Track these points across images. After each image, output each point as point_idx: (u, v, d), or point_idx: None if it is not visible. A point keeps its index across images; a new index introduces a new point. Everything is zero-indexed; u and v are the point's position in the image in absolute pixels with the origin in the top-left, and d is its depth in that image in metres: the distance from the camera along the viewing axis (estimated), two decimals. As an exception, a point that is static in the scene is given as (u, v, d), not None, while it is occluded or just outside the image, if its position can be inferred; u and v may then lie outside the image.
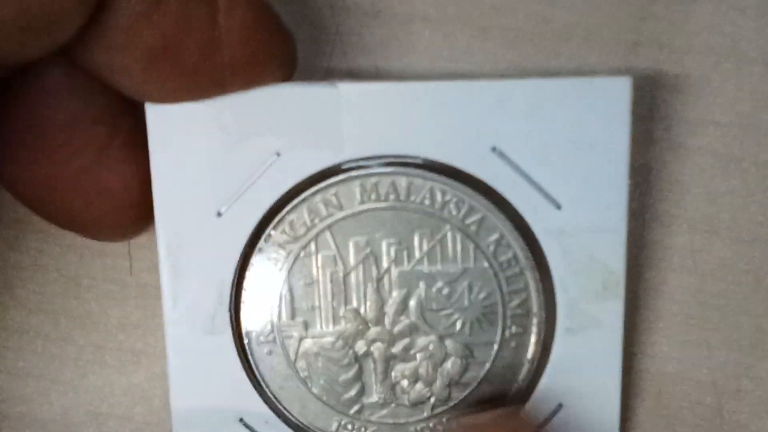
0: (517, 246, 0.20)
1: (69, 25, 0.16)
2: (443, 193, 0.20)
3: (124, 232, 0.21)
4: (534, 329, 0.20)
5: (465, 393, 0.20)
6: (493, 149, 0.19)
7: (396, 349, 0.20)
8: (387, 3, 0.22)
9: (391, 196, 0.20)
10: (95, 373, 0.23)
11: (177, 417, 0.20)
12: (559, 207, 0.20)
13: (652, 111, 0.22)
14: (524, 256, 0.20)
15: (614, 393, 0.20)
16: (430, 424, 0.21)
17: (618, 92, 0.19)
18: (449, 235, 0.20)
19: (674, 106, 0.22)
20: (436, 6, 0.22)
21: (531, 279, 0.20)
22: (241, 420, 0.20)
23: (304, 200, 0.20)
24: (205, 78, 0.18)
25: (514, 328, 0.20)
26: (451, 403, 0.20)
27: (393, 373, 0.20)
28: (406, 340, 0.20)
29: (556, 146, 0.19)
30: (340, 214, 0.20)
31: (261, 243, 0.20)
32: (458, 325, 0.20)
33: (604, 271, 0.20)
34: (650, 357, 0.22)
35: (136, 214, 0.20)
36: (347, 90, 0.19)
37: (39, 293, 0.23)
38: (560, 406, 0.20)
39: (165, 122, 0.19)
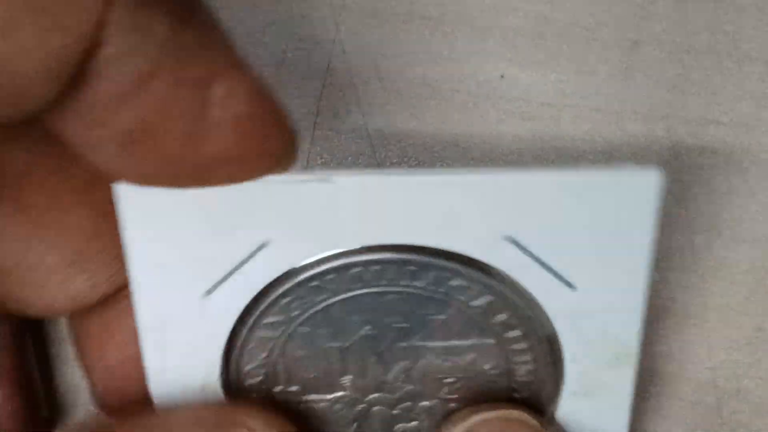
0: (522, 323, 0.19)
1: (36, 100, 0.15)
2: (450, 279, 0.18)
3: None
4: (541, 395, 0.20)
5: None
6: (506, 238, 0.18)
7: (397, 411, 0.20)
8: (387, 3, 0.22)
9: (394, 281, 0.18)
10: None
11: None
12: (573, 288, 0.18)
13: (652, 110, 0.22)
14: (530, 332, 0.19)
15: None
16: None
17: (647, 184, 0.17)
18: (455, 315, 0.19)
19: (674, 105, 0.22)
20: (436, 6, 0.21)
21: (536, 351, 0.19)
22: None
23: (299, 284, 0.18)
24: (186, 169, 0.16)
25: (519, 392, 0.20)
26: None
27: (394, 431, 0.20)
28: (407, 403, 0.20)
29: (575, 236, 0.18)
30: (334, 293, 0.19)
31: (251, 323, 0.19)
32: (463, 392, 0.20)
33: (617, 344, 0.19)
34: (650, 357, 0.22)
35: None
36: (345, 184, 0.18)
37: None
38: None
39: (140, 203, 0.17)
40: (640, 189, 0.18)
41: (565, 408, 0.20)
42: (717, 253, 0.22)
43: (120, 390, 0.20)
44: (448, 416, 0.20)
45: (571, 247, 0.18)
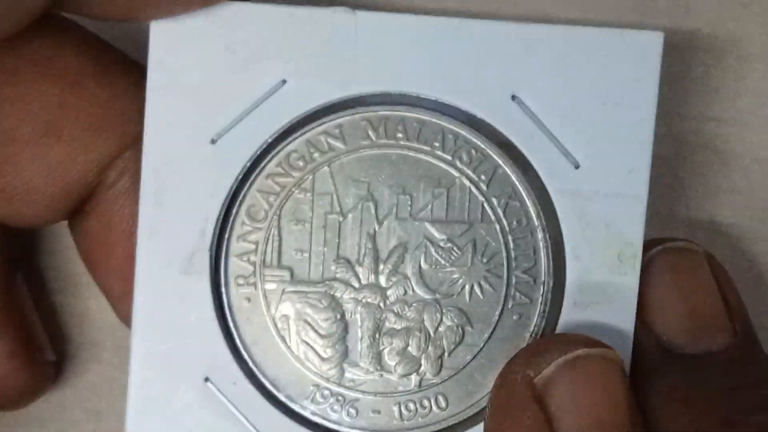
0: (529, 204, 0.19)
1: None
2: (456, 139, 0.19)
3: None
4: (540, 299, 0.19)
5: (458, 368, 0.19)
6: (513, 98, 0.18)
7: (387, 312, 0.19)
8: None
9: (400, 136, 0.19)
10: (93, 371, 0.23)
11: (135, 367, 0.18)
12: (577, 166, 0.18)
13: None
14: (536, 215, 0.19)
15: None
16: (417, 400, 0.19)
17: (648, 47, 0.18)
18: (458, 185, 0.19)
19: (675, 102, 0.22)
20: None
21: (541, 242, 0.19)
22: (206, 379, 0.19)
23: (305, 132, 0.18)
24: None
25: (518, 297, 0.19)
26: (441, 379, 0.19)
27: (381, 339, 0.19)
28: (399, 303, 0.19)
29: (580, 99, 0.18)
30: (342, 151, 0.19)
31: (253, 176, 0.18)
32: (458, 288, 0.19)
33: (620, 241, 0.18)
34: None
35: None
36: (366, 19, 0.18)
37: (37, 292, 0.23)
38: None
39: (168, 39, 0.18)
40: (643, 50, 0.18)
41: (565, 325, 0.19)
42: (717, 253, 0.22)
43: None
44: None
45: (576, 114, 0.18)
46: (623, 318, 0.18)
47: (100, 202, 0.20)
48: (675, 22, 0.21)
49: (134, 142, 0.19)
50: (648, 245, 0.19)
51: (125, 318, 0.20)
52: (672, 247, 0.19)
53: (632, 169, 0.18)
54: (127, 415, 0.18)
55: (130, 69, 0.20)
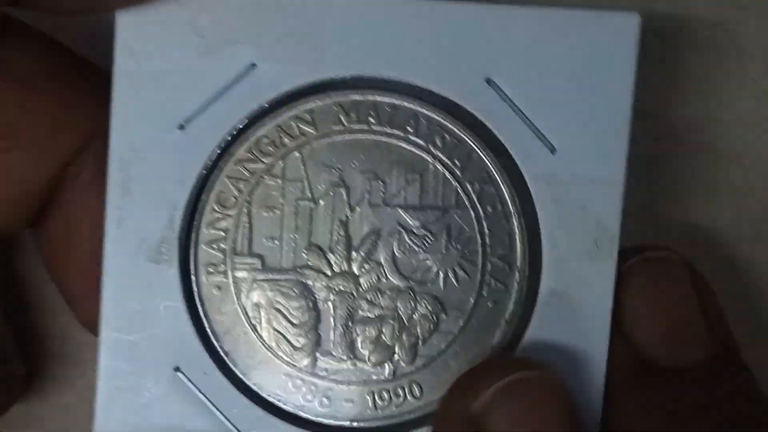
0: (504, 189, 0.18)
1: None
2: (429, 123, 0.18)
3: None
4: (515, 286, 0.18)
5: (432, 356, 0.18)
6: (488, 81, 0.18)
7: (360, 300, 0.18)
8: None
9: (372, 120, 0.18)
10: (94, 371, 0.23)
11: (104, 358, 0.18)
12: (553, 151, 0.18)
13: (653, 108, 0.22)
14: (511, 201, 0.18)
15: (600, 368, 0.18)
16: (391, 389, 0.18)
17: (625, 30, 0.18)
18: (432, 170, 0.18)
19: (676, 103, 0.22)
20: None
21: (517, 228, 0.18)
22: (177, 369, 0.18)
23: (275, 117, 0.18)
24: None
25: (493, 284, 0.18)
26: (416, 368, 0.18)
27: (354, 327, 0.18)
28: (372, 291, 0.18)
29: (556, 82, 0.18)
30: (313, 137, 0.18)
31: (223, 162, 0.18)
32: (432, 275, 0.18)
33: (597, 227, 0.18)
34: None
35: None
36: (337, 0, 0.18)
37: (38, 291, 0.23)
38: None
39: (135, 24, 0.18)
40: (620, 33, 0.18)
41: (541, 313, 0.18)
42: (716, 253, 0.22)
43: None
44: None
45: (551, 97, 0.18)
46: (600, 305, 0.18)
47: (62, 202, 0.19)
48: (675, 21, 0.21)
49: (94, 138, 0.19)
50: (626, 254, 0.18)
51: (86, 320, 0.20)
52: (650, 257, 0.19)
53: (609, 154, 0.18)
54: (96, 406, 0.18)
55: (86, 69, 0.19)
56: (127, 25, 0.18)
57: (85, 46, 0.20)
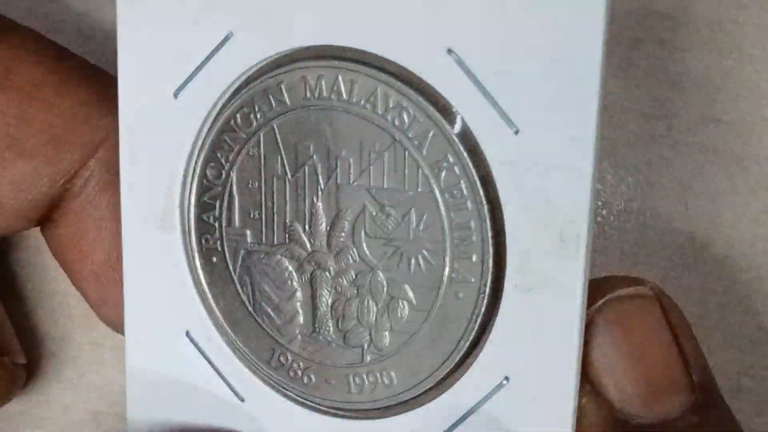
0: (463, 173, 0.17)
1: None
2: (387, 98, 0.17)
3: None
4: (480, 279, 0.17)
5: (400, 345, 0.18)
6: (449, 51, 0.16)
7: (336, 281, 0.18)
8: None
9: (333, 96, 0.17)
10: (94, 372, 0.23)
11: (130, 325, 0.19)
12: (516, 132, 0.16)
13: (653, 108, 0.22)
14: (473, 186, 0.17)
15: (570, 371, 0.17)
16: (365, 373, 0.18)
17: (591, 7, 0.16)
18: (393, 149, 0.17)
19: (675, 104, 0.22)
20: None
21: (476, 215, 0.17)
22: (187, 333, 0.19)
23: (250, 89, 0.18)
24: None
25: (458, 274, 0.17)
26: (387, 355, 0.18)
27: (329, 310, 0.18)
28: (348, 273, 0.18)
29: (519, 57, 0.16)
30: (287, 108, 0.18)
31: (209, 133, 0.18)
32: (398, 261, 0.17)
33: (562, 219, 0.16)
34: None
35: None
36: None
37: (38, 291, 0.23)
38: (506, 380, 0.17)
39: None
40: (586, 4, 0.16)
41: (507, 309, 0.17)
42: (715, 254, 0.22)
43: (116, 294, 0.19)
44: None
45: (515, 75, 0.16)
46: (568, 308, 0.16)
47: (68, 211, 0.19)
48: (675, 23, 0.21)
49: (98, 149, 0.19)
50: (592, 294, 0.17)
51: (108, 322, 0.20)
52: (618, 296, 0.17)
53: (575, 137, 0.16)
54: (127, 375, 0.19)
55: (90, 75, 0.19)
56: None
57: (85, 46, 0.20)
